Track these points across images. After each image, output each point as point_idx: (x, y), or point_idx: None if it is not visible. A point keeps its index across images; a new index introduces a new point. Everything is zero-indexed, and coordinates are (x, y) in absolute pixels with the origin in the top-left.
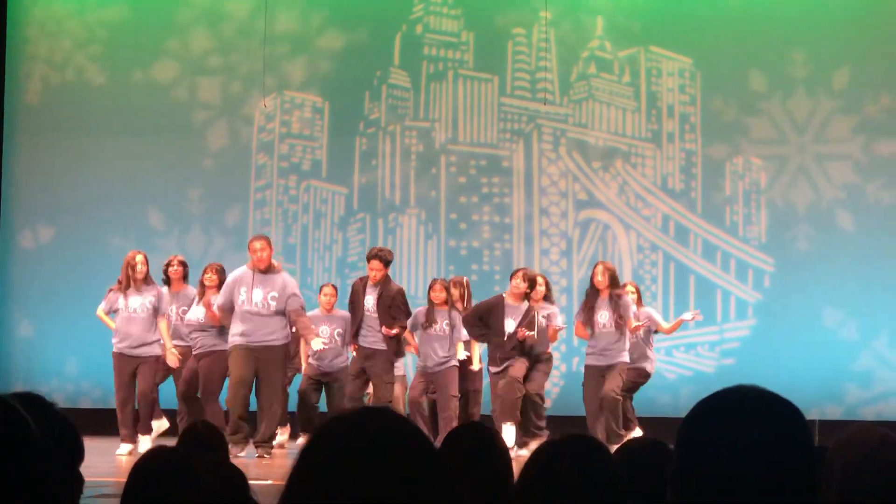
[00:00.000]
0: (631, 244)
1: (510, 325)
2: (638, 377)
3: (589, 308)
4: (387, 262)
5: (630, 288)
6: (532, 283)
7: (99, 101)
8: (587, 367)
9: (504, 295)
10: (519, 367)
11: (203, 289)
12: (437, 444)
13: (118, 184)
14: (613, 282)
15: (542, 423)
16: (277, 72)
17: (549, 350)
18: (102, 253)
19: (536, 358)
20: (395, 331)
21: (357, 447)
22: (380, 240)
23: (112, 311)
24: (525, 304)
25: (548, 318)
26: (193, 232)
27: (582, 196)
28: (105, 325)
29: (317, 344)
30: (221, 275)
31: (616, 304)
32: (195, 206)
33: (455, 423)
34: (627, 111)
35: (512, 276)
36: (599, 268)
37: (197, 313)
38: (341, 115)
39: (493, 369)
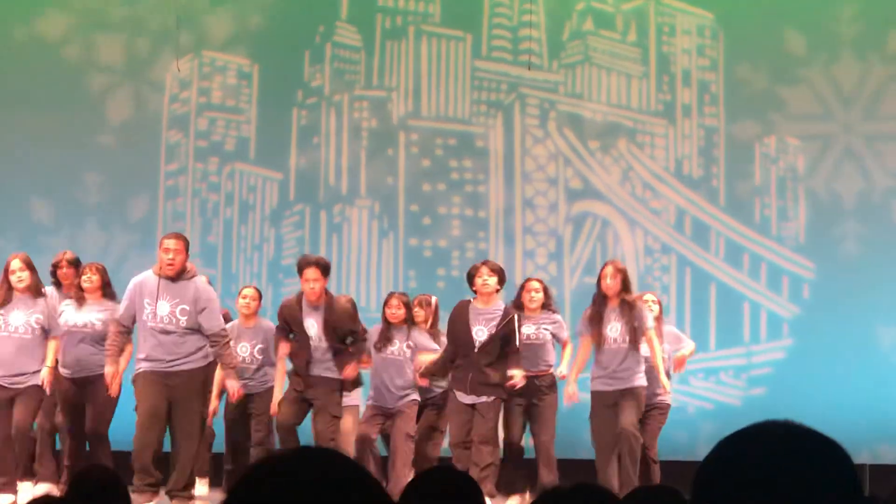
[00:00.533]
0: (637, 244)
1: (481, 335)
2: (661, 414)
3: (595, 318)
4: (326, 271)
5: (650, 297)
6: (501, 276)
7: None
8: (595, 395)
9: (471, 300)
10: (491, 414)
11: (81, 293)
12: (390, 491)
13: None
14: (625, 286)
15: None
16: (195, 27)
17: (552, 370)
18: None
19: (535, 387)
20: (353, 372)
21: (292, 497)
22: (322, 238)
23: None
24: (499, 305)
25: (554, 334)
26: (89, 227)
27: (576, 184)
28: None
29: (232, 386)
30: (103, 275)
31: (629, 313)
32: (91, 195)
33: (408, 469)
34: (633, 78)
35: (472, 273)
36: (609, 269)
37: (77, 321)
38: (274, 81)
39: (464, 399)
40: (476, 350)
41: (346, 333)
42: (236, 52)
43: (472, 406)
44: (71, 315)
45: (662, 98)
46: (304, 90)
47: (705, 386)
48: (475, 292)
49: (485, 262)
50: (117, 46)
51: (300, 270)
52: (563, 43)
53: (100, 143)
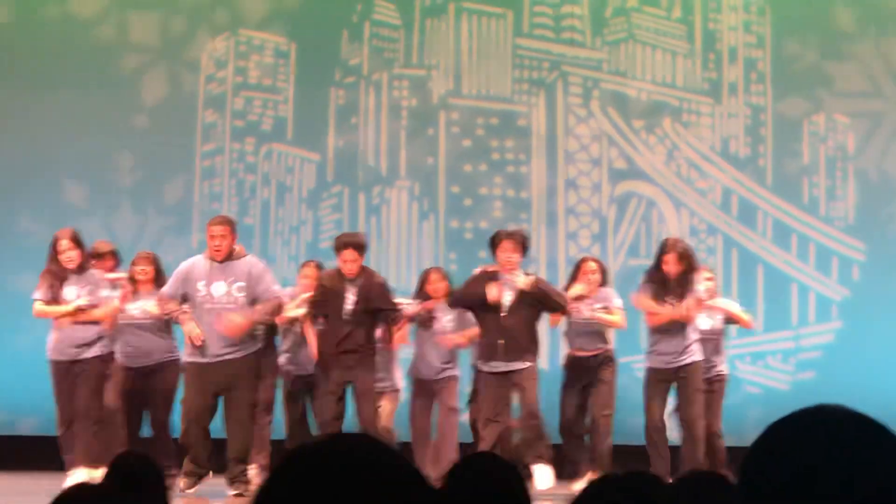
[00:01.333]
0: (682, 225)
1: (507, 298)
2: (721, 387)
3: (653, 289)
4: (363, 250)
5: (706, 274)
6: (524, 246)
7: (1, 42)
8: (651, 371)
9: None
10: (532, 382)
11: (136, 285)
12: (439, 467)
13: (26, 148)
14: (690, 268)
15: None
16: (231, 4)
17: (610, 346)
18: (7, 236)
19: (591, 367)
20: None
21: (327, 487)
22: (361, 219)
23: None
24: (518, 270)
25: (606, 308)
26: (123, 210)
27: (620, 164)
28: (50, 317)
29: (234, 319)
30: (156, 264)
31: (687, 286)
32: (125, 177)
33: (455, 444)
34: (678, 55)
35: (496, 246)
36: (672, 256)
37: (136, 311)
38: (312, 60)
39: (497, 368)
40: (506, 314)
41: (379, 307)
42: (273, 31)
43: (506, 374)
44: (128, 305)
45: (708, 76)
46: (342, 69)
47: (753, 370)
48: (496, 261)
49: (510, 236)
50: (152, 25)
51: (338, 250)
52: (607, 19)
53: (134, 124)
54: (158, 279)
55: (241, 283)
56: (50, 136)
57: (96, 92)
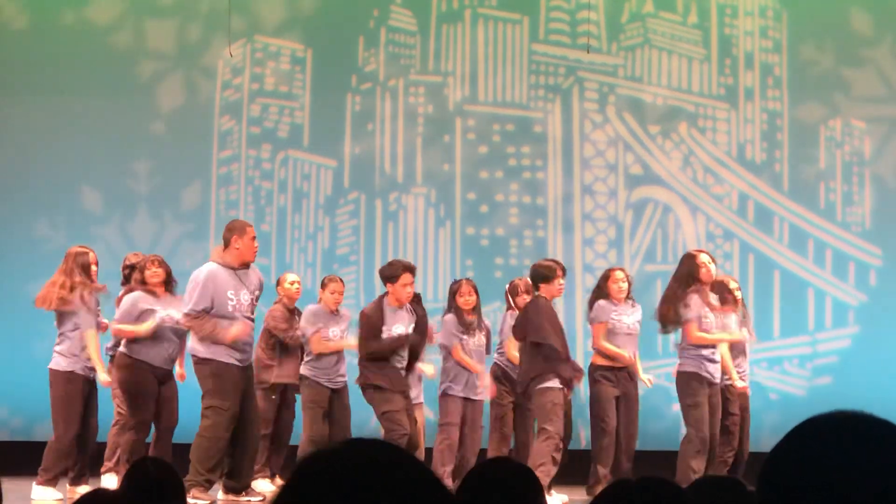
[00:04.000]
0: (699, 231)
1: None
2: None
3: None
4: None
5: (734, 285)
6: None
7: (19, 49)
8: (705, 380)
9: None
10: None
11: (149, 287)
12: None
13: (43, 154)
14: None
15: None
16: (247, 11)
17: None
18: (23, 241)
19: (628, 377)
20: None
21: (345, 491)
22: (378, 226)
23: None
24: None
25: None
26: (140, 216)
27: (636, 170)
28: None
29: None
30: (165, 266)
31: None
32: (142, 184)
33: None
34: (694, 61)
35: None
36: (705, 256)
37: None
38: (328, 66)
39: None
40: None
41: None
42: (289, 37)
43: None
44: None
45: (724, 81)
46: (358, 75)
47: (769, 375)
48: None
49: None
50: (168, 32)
51: (396, 276)
52: (622, 25)
53: (150, 130)
54: (169, 282)
55: (257, 293)
56: (67, 142)
57: (113, 99)
